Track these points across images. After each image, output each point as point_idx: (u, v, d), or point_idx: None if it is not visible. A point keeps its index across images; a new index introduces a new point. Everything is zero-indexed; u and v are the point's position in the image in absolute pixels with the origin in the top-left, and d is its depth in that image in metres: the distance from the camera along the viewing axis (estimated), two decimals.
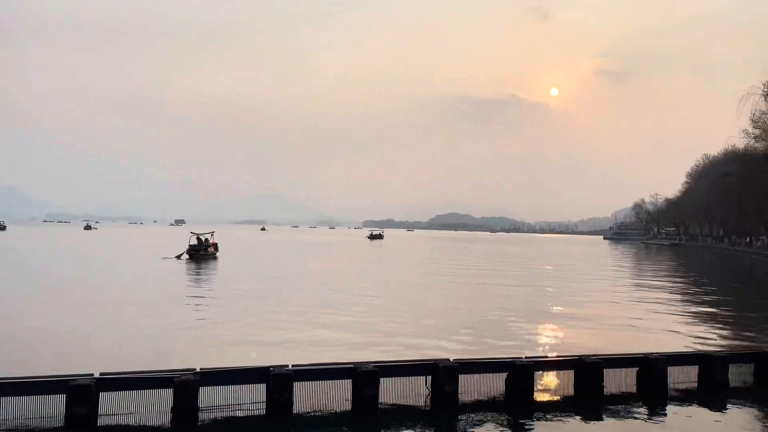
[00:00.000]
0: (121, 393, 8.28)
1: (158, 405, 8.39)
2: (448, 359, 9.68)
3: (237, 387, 8.78)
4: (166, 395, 8.33)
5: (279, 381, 8.54)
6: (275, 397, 8.54)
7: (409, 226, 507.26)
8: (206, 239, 46.07)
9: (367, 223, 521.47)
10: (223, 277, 32.11)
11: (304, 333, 15.12)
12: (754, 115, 48.15)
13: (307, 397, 8.91)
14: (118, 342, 13.70)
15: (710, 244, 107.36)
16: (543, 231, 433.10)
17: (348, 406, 8.91)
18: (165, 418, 8.24)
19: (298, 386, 8.76)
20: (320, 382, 9.02)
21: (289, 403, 8.59)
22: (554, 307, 21.36)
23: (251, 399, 8.80)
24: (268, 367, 8.75)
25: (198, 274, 32.75)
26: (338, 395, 9.06)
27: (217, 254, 46.00)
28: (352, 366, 9.06)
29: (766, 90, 41.12)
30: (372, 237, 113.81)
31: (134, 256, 48.26)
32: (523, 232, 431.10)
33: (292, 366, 8.91)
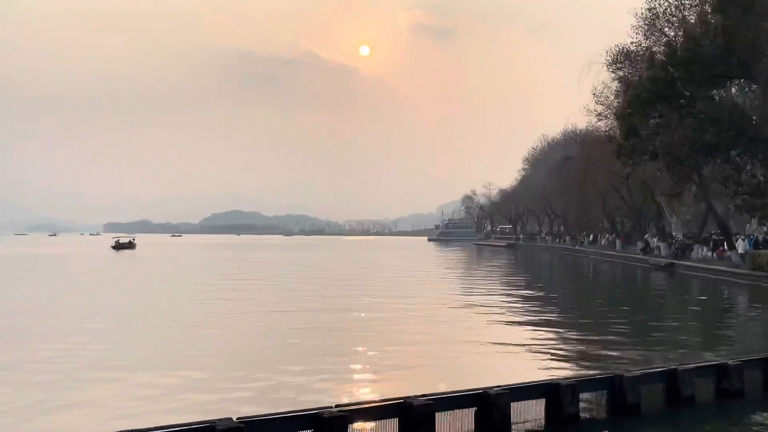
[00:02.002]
0: None
1: None
2: (231, 419, 9.35)
3: None
4: None
5: None
6: None
7: (173, 229, 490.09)
8: None
9: (111, 227, 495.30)
10: None
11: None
12: (596, 88, 52.78)
13: None
14: None
15: (550, 243, 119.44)
16: (354, 232, 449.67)
17: None
18: None
19: None
20: None
21: None
22: (368, 336, 21.94)
23: None
24: None
25: None
26: None
27: None
28: None
29: (609, 58, 45.00)
30: (118, 246, 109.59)
31: None
32: (329, 234, 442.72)
33: None
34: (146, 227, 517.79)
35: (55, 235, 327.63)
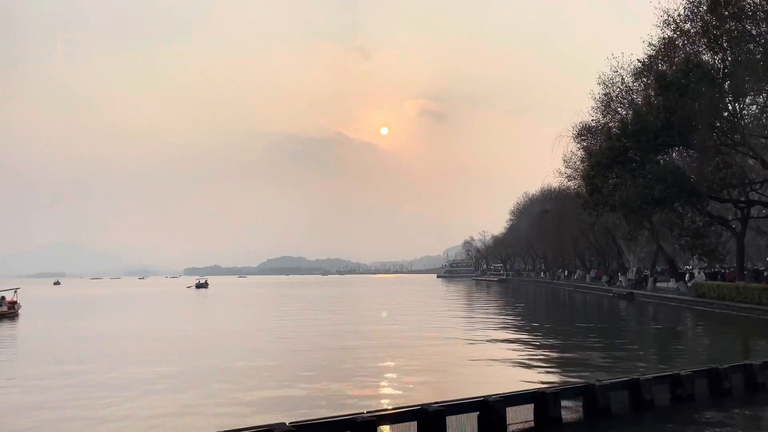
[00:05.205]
0: None
1: None
2: (284, 423, 9.27)
3: None
4: None
5: None
6: None
7: (239, 272, 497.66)
8: (2, 297, 44.90)
9: (189, 271, 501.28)
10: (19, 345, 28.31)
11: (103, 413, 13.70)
12: (566, 155, 54.30)
13: None
14: None
15: (533, 278, 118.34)
16: (378, 271, 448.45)
17: None
18: None
19: None
20: None
21: None
22: (390, 354, 21.71)
23: None
24: None
25: None
26: None
27: (20, 312, 45.37)
28: None
29: (575, 132, 45.84)
30: (198, 286, 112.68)
31: None
32: (359, 273, 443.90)
33: None
34: (217, 270, 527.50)
35: (143, 278, 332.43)
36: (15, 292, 47.51)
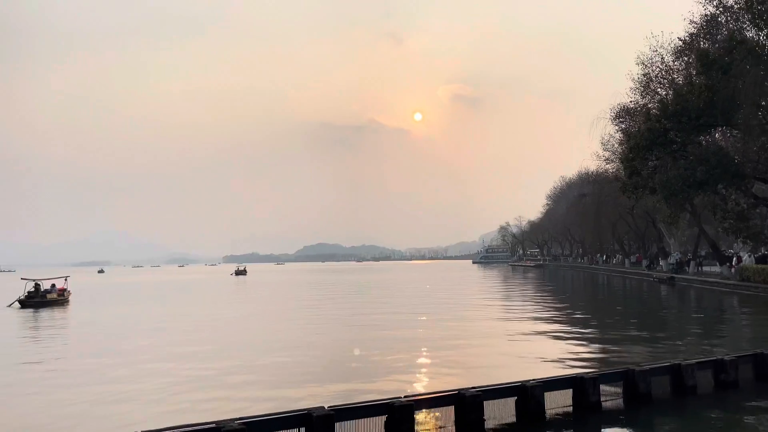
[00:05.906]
0: None
1: None
2: (323, 407, 9.38)
3: None
4: None
5: None
6: None
7: (276, 259, 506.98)
8: (53, 285, 46.83)
9: (228, 259, 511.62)
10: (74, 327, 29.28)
11: (157, 395, 14.04)
12: (603, 138, 53.09)
13: None
14: None
15: (571, 263, 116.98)
16: (413, 257, 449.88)
17: None
18: None
19: None
20: None
21: None
22: (427, 339, 21.76)
23: None
24: None
25: (35, 324, 29.77)
26: None
27: (70, 299, 46.86)
28: (213, 426, 8.46)
29: (613, 114, 44.86)
30: (237, 273, 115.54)
31: None
32: (394, 259, 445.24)
33: None
34: (254, 258, 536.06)
35: (182, 266, 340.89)
36: (65, 279, 49.25)
